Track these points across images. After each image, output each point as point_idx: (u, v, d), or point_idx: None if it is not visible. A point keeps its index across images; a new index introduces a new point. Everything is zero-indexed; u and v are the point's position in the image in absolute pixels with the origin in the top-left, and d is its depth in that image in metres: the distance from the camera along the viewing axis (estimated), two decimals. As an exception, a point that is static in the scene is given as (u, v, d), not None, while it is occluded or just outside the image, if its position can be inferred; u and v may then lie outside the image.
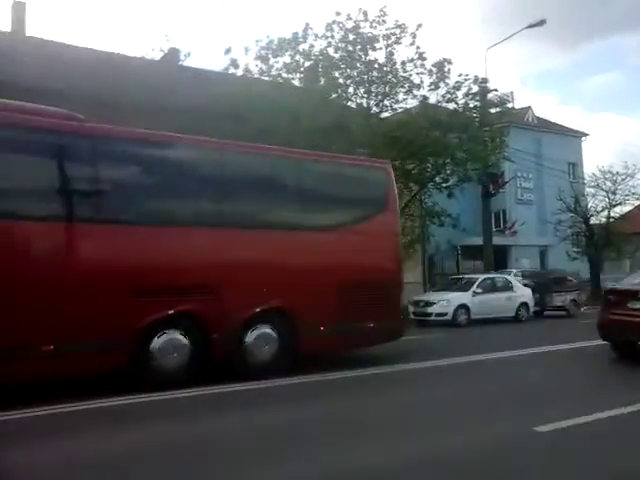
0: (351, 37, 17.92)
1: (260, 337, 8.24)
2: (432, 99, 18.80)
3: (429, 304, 17.13)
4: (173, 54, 22.42)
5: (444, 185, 19.17)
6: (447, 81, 18.41)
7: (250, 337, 8.17)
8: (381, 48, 18.11)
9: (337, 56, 18.02)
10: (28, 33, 20.15)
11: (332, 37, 18.10)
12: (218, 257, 8.04)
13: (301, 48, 18.29)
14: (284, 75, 18.45)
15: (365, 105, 18.53)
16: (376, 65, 17.98)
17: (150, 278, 7.46)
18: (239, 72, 18.13)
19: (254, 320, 8.22)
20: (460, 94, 18.69)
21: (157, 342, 7.42)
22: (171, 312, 7.52)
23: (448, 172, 18.81)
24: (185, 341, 7.62)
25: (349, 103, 18.48)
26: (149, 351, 7.37)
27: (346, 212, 9.49)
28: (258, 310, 8.23)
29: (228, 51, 18.40)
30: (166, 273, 7.60)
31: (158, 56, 22.72)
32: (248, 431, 5.59)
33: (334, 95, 17.71)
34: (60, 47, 18.90)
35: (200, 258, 7.87)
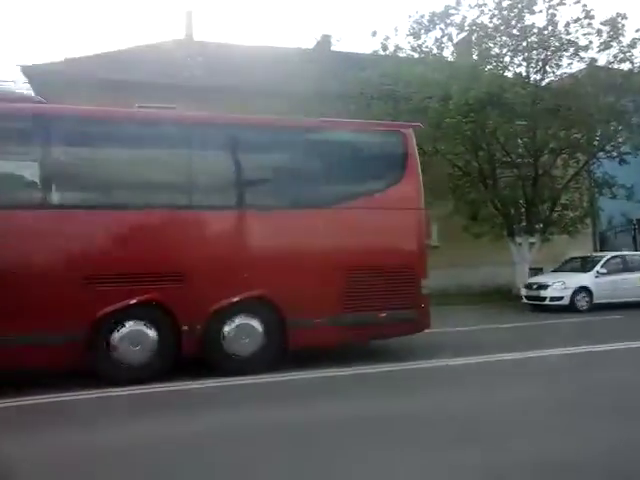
0: (506, 3, 17.04)
1: (240, 329, 7.45)
2: (602, 61, 17.22)
3: (543, 287, 15.38)
4: (325, 41, 23.10)
5: (615, 154, 17.58)
6: (621, 39, 16.69)
7: (228, 329, 7.41)
8: (541, 11, 16.96)
9: (491, 25, 17.26)
10: (196, 38, 22.08)
11: (485, 5, 17.39)
12: (187, 240, 7.34)
13: (453, 20, 17.85)
14: (435, 51, 18.13)
15: (524, 73, 17.54)
16: (535, 30, 16.88)
17: (106, 265, 6.87)
18: (391, 47, 18.14)
19: (233, 310, 7.44)
20: (636, 52, 16.84)
21: (117, 335, 6.89)
22: (132, 302, 6.93)
23: (620, 140, 17.17)
24: (151, 333, 7.04)
25: (506, 73, 17.62)
26: (109, 345, 6.88)
27: (349, 184, 8.19)
28: (237, 299, 7.41)
29: (374, 34, 18.67)
30: (125, 259, 6.99)
31: (311, 44, 23.58)
32: (219, 433, 5.07)
33: (489, 67, 17.00)
34: (226, 47, 20.51)
35: (165, 242, 7.25)
